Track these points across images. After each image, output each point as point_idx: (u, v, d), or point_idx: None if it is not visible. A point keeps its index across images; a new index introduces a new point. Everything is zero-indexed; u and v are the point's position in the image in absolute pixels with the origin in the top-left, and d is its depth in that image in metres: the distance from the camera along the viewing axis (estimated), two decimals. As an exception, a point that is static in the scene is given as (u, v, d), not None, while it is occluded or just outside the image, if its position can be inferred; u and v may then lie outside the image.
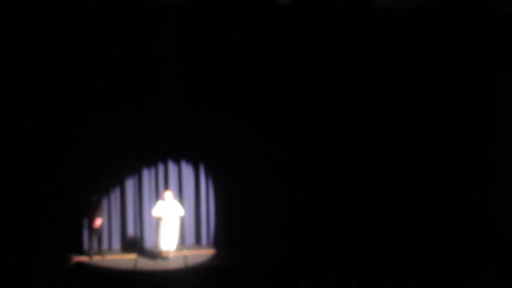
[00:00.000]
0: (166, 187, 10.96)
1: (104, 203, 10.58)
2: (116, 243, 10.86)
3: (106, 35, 10.28)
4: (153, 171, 10.98)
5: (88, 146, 10.48)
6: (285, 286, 8.34)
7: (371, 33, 11.39)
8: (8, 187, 10.13)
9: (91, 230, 10.23)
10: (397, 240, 11.32)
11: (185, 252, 10.71)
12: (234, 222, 11.27)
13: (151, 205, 10.60)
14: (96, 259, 10.21)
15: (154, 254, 10.37)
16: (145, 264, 10.04)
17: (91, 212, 10.15)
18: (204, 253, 10.75)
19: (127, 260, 10.26)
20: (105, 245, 10.64)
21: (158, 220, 10.19)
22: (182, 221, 11.11)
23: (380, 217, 11.70)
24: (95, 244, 10.41)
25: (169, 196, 10.19)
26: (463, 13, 11.53)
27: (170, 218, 10.09)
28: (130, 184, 10.87)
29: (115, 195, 10.83)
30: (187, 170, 11.15)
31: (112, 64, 10.44)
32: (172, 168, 11.05)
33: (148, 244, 10.83)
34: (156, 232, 10.30)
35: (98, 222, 10.16)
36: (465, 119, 12.04)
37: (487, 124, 12.14)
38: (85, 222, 10.28)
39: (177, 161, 11.09)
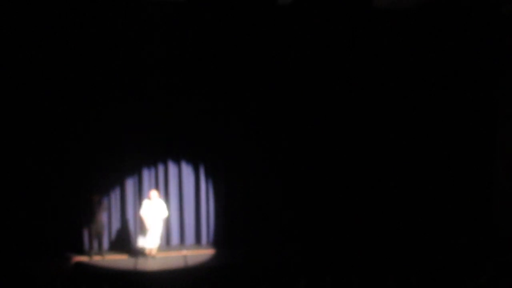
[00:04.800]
0: (166, 187, 10.99)
1: (104, 203, 10.58)
2: (116, 243, 10.86)
3: (105, 33, 10.25)
4: (153, 171, 10.99)
5: (88, 146, 10.49)
6: (285, 286, 8.33)
7: (371, 33, 11.38)
8: (8, 187, 10.13)
9: (92, 230, 10.22)
10: (397, 240, 11.33)
11: (185, 252, 10.71)
12: (234, 222, 11.27)
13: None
14: (96, 259, 10.21)
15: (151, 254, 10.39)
16: (145, 264, 10.04)
17: (92, 211, 10.15)
18: (204, 253, 10.76)
19: (127, 260, 10.27)
20: (105, 245, 10.65)
21: (142, 219, 10.25)
22: (182, 221, 11.16)
23: (380, 216, 11.71)
24: (95, 244, 10.42)
25: (155, 195, 10.22)
26: (463, 13, 11.53)
27: (155, 217, 10.13)
28: (130, 184, 10.88)
29: (115, 195, 10.83)
30: (187, 170, 11.16)
31: (113, 63, 10.43)
32: (172, 168, 11.06)
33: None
34: (140, 231, 10.33)
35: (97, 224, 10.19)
36: (465, 119, 12.05)
37: (487, 124, 12.14)
38: (86, 222, 10.26)
39: (177, 161, 11.10)
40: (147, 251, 10.36)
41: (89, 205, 10.20)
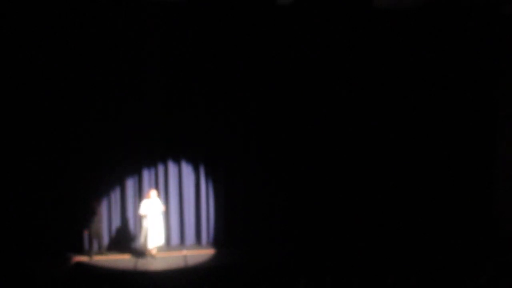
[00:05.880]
0: (166, 187, 10.99)
1: (104, 203, 10.59)
2: (116, 243, 10.85)
3: (105, 33, 10.27)
4: (153, 171, 10.98)
5: (88, 146, 10.48)
6: (285, 286, 8.34)
7: (371, 33, 11.39)
8: (8, 187, 10.13)
9: (91, 230, 10.21)
10: (397, 240, 11.33)
11: (185, 252, 10.72)
12: (234, 222, 11.27)
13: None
14: (96, 259, 10.21)
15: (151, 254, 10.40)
16: (145, 264, 10.05)
17: (92, 212, 10.15)
18: (204, 253, 10.76)
19: (127, 260, 10.27)
20: (105, 245, 10.64)
21: (142, 219, 10.27)
22: (182, 221, 11.16)
23: (380, 216, 11.71)
24: (95, 244, 10.42)
25: (154, 194, 10.24)
26: (463, 13, 11.54)
27: (155, 216, 10.16)
28: (130, 184, 10.88)
29: (115, 195, 10.83)
30: (187, 170, 11.15)
31: (112, 63, 10.43)
32: (172, 168, 11.06)
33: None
34: (141, 232, 10.34)
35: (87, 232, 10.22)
36: (465, 119, 12.06)
37: (487, 124, 12.15)
38: (86, 222, 10.24)
39: (177, 161, 11.09)
40: (148, 251, 10.35)
41: (89, 205, 10.20)
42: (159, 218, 10.26)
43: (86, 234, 10.31)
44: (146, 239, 10.24)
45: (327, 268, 9.30)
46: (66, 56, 10.17)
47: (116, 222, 10.89)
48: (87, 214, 10.19)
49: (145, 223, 10.21)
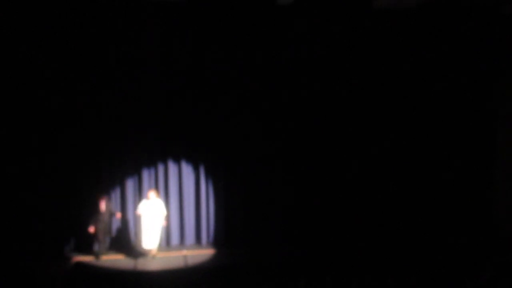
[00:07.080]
0: (166, 187, 10.99)
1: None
2: (116, 243, 10.85)
3: (104, 33, 10.27)
4: (153, 171, 10.98)
5: (89, 146, 10.48)
6: (285, 286, 8.34)
7: (371, 33, 11.39)
8: (9, 188, 10.12)
9: (98, 230, 10.18)
10: (397, 240, 11.33)
11: (185, 252, 10.72)
12: (234, 222, 11.27)
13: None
14: (97, 259, 10.21)
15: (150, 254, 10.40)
16: (145, 264, 10.05)
17: (98, 211, 10.15)
18: (204, 253, 10.76)
19: (127, 260, 10.27)
20: (105, 245, 10.63)
21: (140, 219, 10.27)
22: (182, 221, 11.16)
23: (380, 216, 11.71)
24: (95, 244, 10.40)
25: (153, 195, 10.23)
26: (463, 13, 11.54)
27: (153, 217, 10.14)
28: (130, 184, 10.88)
29: (115, 195, 10.83)
30: (187, 170, 11.15)
31: (113, 63, 10.43)
32: (172, 168, 11.06)
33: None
34: (139, 231, 10.34)
35: (92, 229, 10.17)
36: (465, 119, 12.05)
37: (487, 124, 12.15)
38: (92, 222, 10.22)
39: (177, 161, 11.09)
40: (147, 252, 10.35)
41: (93, 205, 10.19)
42: (157, 220, 10.21)
43: (89, 233, 10.22)
44: (139, 239, 10.22)
45: (327, 268, 9.31)
46: (66, 56, 10.17)
47: (116, 222, 10.88)
48: (92, 212, 10.17)
49: (143, 223, 10.20)
